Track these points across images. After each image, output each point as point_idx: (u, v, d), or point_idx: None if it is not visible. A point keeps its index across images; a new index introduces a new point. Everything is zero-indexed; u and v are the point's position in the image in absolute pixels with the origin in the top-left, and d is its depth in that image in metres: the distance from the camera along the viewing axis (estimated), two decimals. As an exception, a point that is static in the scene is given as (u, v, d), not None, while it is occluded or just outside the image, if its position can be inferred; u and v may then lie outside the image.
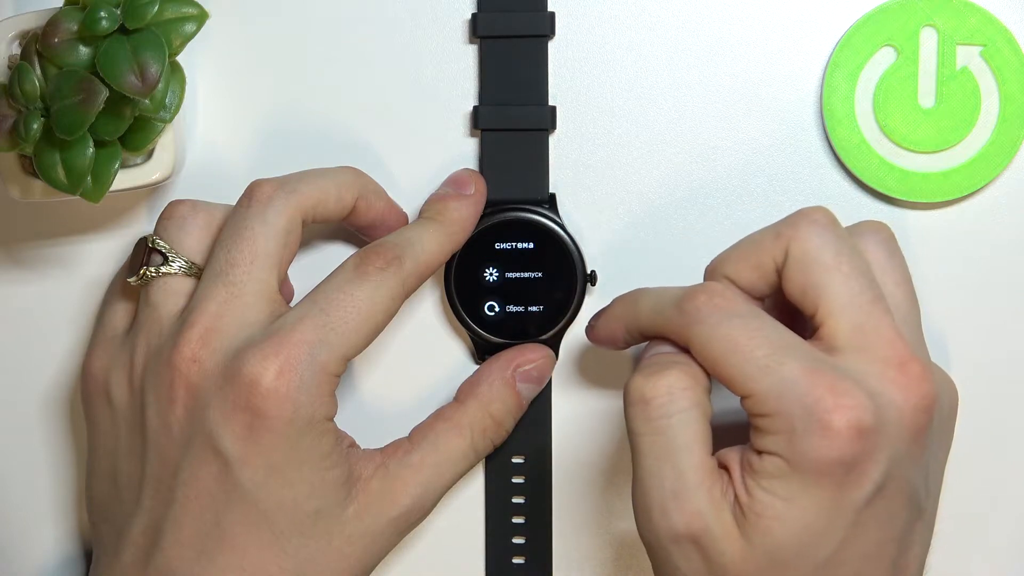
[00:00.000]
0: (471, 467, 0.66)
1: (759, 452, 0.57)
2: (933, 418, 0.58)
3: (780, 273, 0.59)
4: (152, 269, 0.63)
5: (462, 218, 0.65)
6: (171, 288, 0.63)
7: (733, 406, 0.60)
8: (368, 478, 0.63)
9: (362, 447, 0.64)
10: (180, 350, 0.61)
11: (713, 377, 0.59)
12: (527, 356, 0.67)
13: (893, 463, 0.57)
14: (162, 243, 0.63)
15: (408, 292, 0.63)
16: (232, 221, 0.62)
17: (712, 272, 0.61)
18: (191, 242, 0.64)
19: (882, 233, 0.61)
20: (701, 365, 0.59)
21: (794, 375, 0.56)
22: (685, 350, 0.59)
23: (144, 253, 0.64)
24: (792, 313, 0.60)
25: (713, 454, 0.59)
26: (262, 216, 0.62)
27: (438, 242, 0.65)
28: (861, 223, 0.62)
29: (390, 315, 0.62)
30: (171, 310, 0.63)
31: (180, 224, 0.64)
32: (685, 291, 0.59)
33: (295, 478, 0.61)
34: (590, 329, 0.64)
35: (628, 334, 0.62)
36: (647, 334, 0.61)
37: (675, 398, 0.58)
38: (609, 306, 0.64)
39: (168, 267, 0.63)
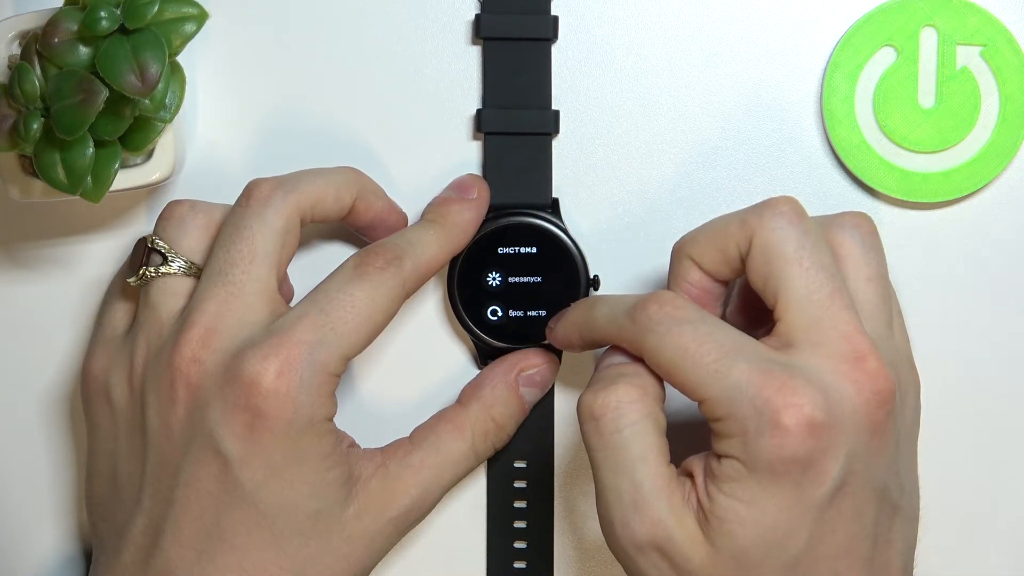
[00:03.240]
0: (471, 469, 0.66)
1: (719, 456, 0.58)
2: (892, 413, 0.58)
3: (744, 261, 0.59)
4: (151, 269, 0.63)
5: (464, 221, 0.65)
6: (171, 288, 0.63)
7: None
8: (368, 478, 0.63)
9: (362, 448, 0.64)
10: (180, 350, 0.61)
11: (668, 384, 0.59)
12: (531, 360, 0.67)
13: (852, 459, 0.57)
14: (161, 243, 0.63)
15: (408, 293, 0.63)
16: (230, 221, 0.62)
17: (678, 252, 0.61)
18: (190, 242, 0.64)
19: (861, 227, 0.61)
20: (655, 373, 0.59)
21: (744, 378, 0.57)
22: (639, 359, 0.60)
23: (143, 253, 0.64)
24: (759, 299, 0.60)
25: (680, 462, 0.59)
26: (260, 215, 0.62)
27: (439, 244, 0.64)
28: (843, 214, 0.61)
29: (390, 315, 0.62)
30: (171, 310, 0.63)
31: (179, 224, 0.64)
32: (637, 300, 0.59)
33: (295, 478, 0.61)
34: (549, 332, 0.65)
35: (583, 340, 0.63)
36: (601, 342, 0.62)
37: (624, 412, 0.58)
38: (568, 311, 0.64)
39: (167, 267, 0.63)
